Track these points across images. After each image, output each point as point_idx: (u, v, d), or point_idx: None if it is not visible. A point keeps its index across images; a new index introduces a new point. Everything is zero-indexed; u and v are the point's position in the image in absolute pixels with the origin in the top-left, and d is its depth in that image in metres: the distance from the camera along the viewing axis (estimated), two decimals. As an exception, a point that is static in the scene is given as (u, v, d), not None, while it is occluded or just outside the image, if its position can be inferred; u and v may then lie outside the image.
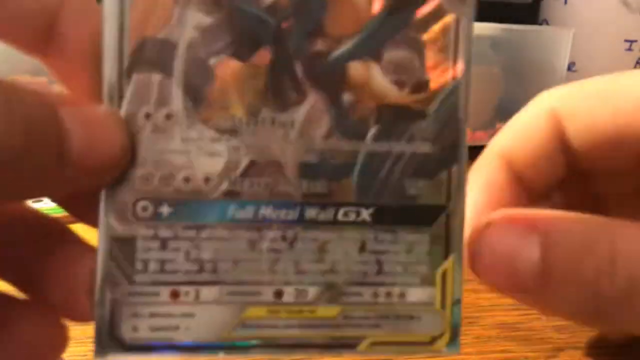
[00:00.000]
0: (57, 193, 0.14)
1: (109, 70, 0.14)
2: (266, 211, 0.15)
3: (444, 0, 0.15)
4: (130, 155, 0.14)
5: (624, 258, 0.13)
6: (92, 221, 0.15)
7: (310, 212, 0.15)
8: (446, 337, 0.15)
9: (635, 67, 0.46)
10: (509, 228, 0.15)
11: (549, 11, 0.50)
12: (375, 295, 0.15)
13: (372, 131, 0.15)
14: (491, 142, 0.19)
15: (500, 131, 0.18)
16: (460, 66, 0.15)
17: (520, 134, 0.18)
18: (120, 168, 0.14)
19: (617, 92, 0.16)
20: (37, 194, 0.14)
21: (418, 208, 0.15)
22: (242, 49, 0.14)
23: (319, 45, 0.15)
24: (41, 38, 0.14)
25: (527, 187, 0.18)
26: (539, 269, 0.14)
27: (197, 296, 0.15)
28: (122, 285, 0.14)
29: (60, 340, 0.15)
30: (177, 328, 0.14)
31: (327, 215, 0.15)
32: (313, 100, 0.15)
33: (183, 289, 0.14)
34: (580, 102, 0.17)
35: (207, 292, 0.15)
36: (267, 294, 0.15)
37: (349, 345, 0.15)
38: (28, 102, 0.12)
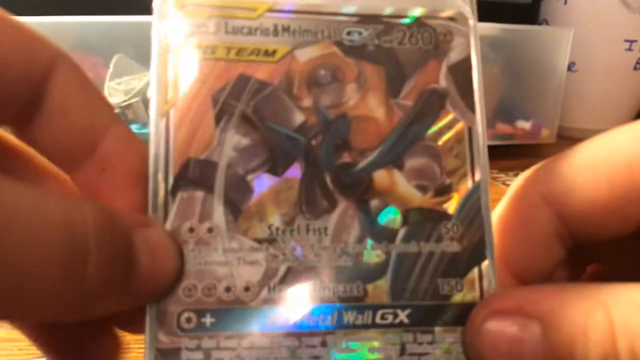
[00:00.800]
0: (108, 313, 0.15)
1: (156, 188, 0.15)
2: (305, 317, 0.15)
3: (456, 112, 0.16)
4: (180, 275, 0.15)
5: (622, 330, 0.13)
6: (134, 331, 0.16)
7: (348, 316, 0.15)
8: None
9: (635, 67, 0.46)
10: (505, 324, 0.14)
11: (549, 11, 0.50)
12: None
13: (401, 233, 0.16)
14: None
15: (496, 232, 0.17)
16: (477, 169, 0.16)
17: (514, 233, 0.17)
18: (170, 289, 0.15)
19: (607, 159, 0.15)
20: (102, 313, 0.14)
21: (453, 307, 0.15)
22: (276, 165, 0.16)
23: (346, 157, 0.16)
24: (81, 156, 0.15)
25: (524, 280, 0.17)
26: (545, 355, 0.13)
27: None
28: None
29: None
30: None
31: (365, 318, 0.15)
32: (343, 208, 0.16)
33: None
34: (571, 181, 0.16)
35: None
36: (310, 402, 0.15)
37: None
38: (116, 235, 0.13)
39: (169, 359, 0.14)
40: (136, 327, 0.15)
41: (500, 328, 0.14)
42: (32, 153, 0.16)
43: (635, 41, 0.47)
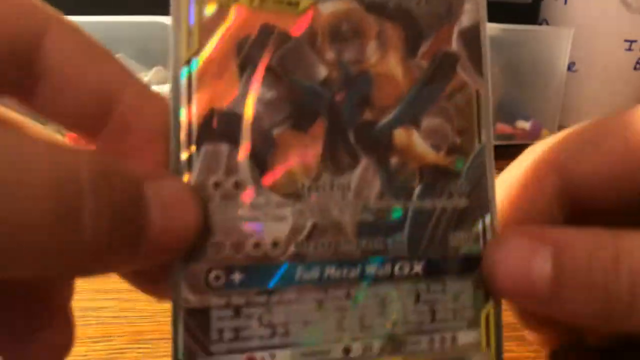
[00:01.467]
0: (127, 269, 0.14)
1: (179, 141, 0.14)
2: (330, 271, 0.15)
3: (466, 76, 0.17)
4: (201, 230, 0.14)
5: (626, 255, 0.15)
6: (157, 292, 0.15)
7: (371, 268, 0.16)
8: None
9: (635, 67, 0.48)
10: (521, 242, 0.16)
11: (549, 11, 0.51)
12: (432, 342, 0.16)
13: (417, 190, 0.16)
14: None
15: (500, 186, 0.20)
16: (484, 131, 0.17)
17: (518, 197, 0.18)
18: (192, 243, 0.14)
19: (614, 133, 0.17)
20: (108, 271, 0.14)
21: (461, 258, 0.17)
22: (300, 120, 0.15)
23: (367, 114, 0.16)
24: (98, 120, 0.14)
25: None
26: (552, 277, 0.15)
27: None
28: (200, 358, 0.14)
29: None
30: None
31: (385, 270, 0.16)
32: (365, 164, 0.16)
33: (258, 354, 0.15)
34: (579, 151, 0.17)
35: (282, 356, 0.15)
36: (337, 351, 0.15)
37: None
38: (117, 184, 0.12)
39: (199, 319, 0.14)
40: (162, 290, 0.15)
41: (516, 243, 0.16)
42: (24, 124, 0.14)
43: (635, 41, 0.47)
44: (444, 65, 0.17)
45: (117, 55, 0.15)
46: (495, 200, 0.17)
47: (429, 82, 0.17)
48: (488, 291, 0.17)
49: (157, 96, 0.15)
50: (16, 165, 0.10)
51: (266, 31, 0.15)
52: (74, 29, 0.13)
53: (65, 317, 0.16)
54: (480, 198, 0.17)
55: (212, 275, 0.14)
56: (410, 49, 0.17)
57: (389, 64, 0.16)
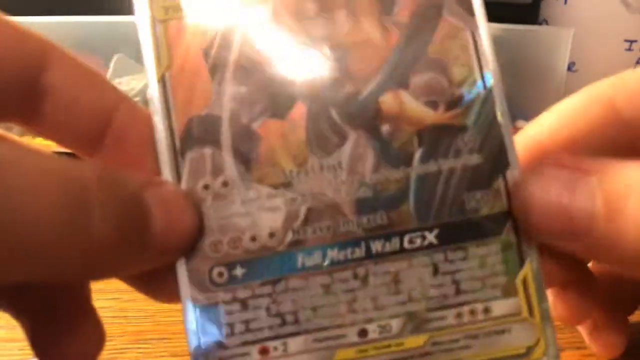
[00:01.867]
0: (130, 272, 0.15)
1: (164, 153, 0.15)
2: (333, 253, 0.15)
3: (455, 19, 0.15)
4: (199, 230, 0.15)
5: None
6: (158, 294, 0.16)
7: (376, 246, 0.15)
8: (542, 345, 0.15)
9: (635, 67, 0.45)
10: (560, 173, 0.14)
11: (549, 11, 0.49)
12: (459, 315, 0.15)
13: (418, 154, 0.15)
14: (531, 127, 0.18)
15: (544, 117, 0.18)
16: (488, 74, 0.15)
17: (569, 120, 0.17)
18: (191, 245, 0.15)
19: None
20: (117, 273, 0.15)
21: (482, 220, 0.15)
22: (278, 108, 0.15)
23: (349, 87, 0.15)
24: (96, 137, 0.16)
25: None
26: (602, 211, 0.13)
27: (285, 349, 0.15)
28: (215, 352, 0.15)
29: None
30: None
31: (393, 245, 0.15)
32: (355, 139, 0.15)
33: (271, 344, 0.15)
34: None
35: (294, 343, 0.15)
36: (352, 334, 0.15)
37: None
38: (121, 190, 0.13)
39: (208, 314, 0.15)
40: (166, 293, 0.16)
41: (555, 173, 0.14)
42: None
43: (635, 41, 0.45)
44: (427, 14, 0.16)
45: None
46: (515, 148, 0.15)
47: (412, 37, 0.15)
48: (522, 230, 0.15)
49: (146, 112, 0.16)
50: (30, 176, 0.12)
51: (229, 30, 0.16)
52: (71, 56, 0.15)
53: (94, 318, 0.17)
54: (495, 150, 0.15)
55: (215, 272, 0.15)
56: (386, 7, 0.16)
57: (364, 30, 0.16)
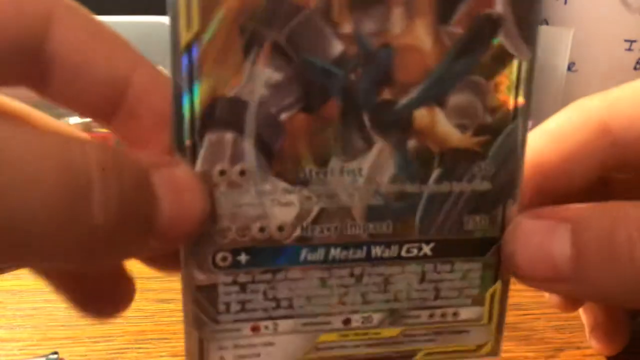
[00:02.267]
0: (139, 255, 0.15)
1: (181, 131, 0.14)
2: (335, 252, 0.16)
3: (509, 44, 0.15)
4: (208, 215, 0.14)
5: None
6: (167, 268, 0.16)
7: (376, 251, 0.16)
8: (489, 345, 0.17)
9: (635, 67, 0.46)
10: (537, 224, 0.16)
11: (549, 11, 0.48)
12: (432, 316, 0.17)
13: (435, 174, 0.15)
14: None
15: (532, 137, 0.18)
16: (521, 107, 0.15)
17: (563, 149, 0.18)
18: (198, 231, 0.14)
19: None
20: (122, 257, 0.14)
21: (474, 241, 0.16)
22: (311, 102, 0.14)
23: (386, 94, 0.15)
24: (111, 106, 0.14)
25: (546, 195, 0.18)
26: (573, 255, 0.15)
27: (275, 328, 0.16)
28: (208, 326, 0.15)
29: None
30: (258, 355, 0.16)
31: (391, 252, 0.16)
32: (380, 148, 0.15)
33: (263, 323, 0.16)
34: (635, 111, 0.17)
35: (284, 325, 0.16)
36: (337, 322, 0.16)
37: (407, 356, 0.17)
38: (125, 173, 0.12)
39: (207, 295, 0.15)
40: (168, 266, 0.16)
41: (534, 225, 0.16)
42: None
43: (635, 41, 0.42)
44: (482, 31, 0.15)
45: None
46: (522, 183, 0.16)
47: (462, 53, 0.15)
48: (516, 278, 0.17)
49: (166, 80, 0.14)
50: (26, 157, 0.11)
51: (273, 4, 0.13)
52: (81, 13, 0.13)
53: (125, 275, 0.17)
54: (504, 181, 0.16)
55: (219, 256, 0.15)
56: (444, 13, 0.14)
57: (416, 34, 0.14)
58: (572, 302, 0.22)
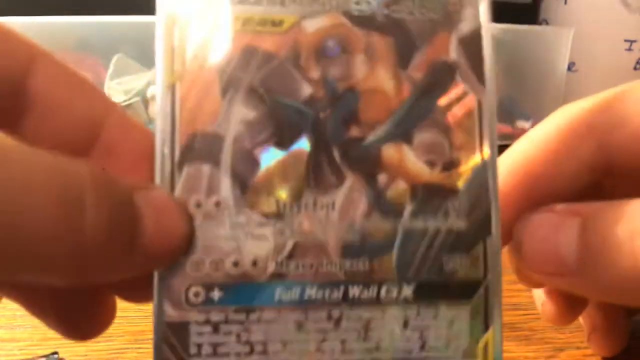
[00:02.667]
0: (116, 278, 0.15)
1: (162, 162, 0.15)
2: (311, 292, 0.15)
3: (467, 86, 0.16)
4: (189, 242, 0.15)
5: None
6: (131, 299, 0.16)
7: (354, 291, 0.15)
8: None
9: (635, 67, 0.46)
10: (548, 217, 0.16)
11: (549, 11, 0.50)
12: None
13: (408, 209, 0.16)
14: (510, 154, 0.19)
15: (526, 142, 0.18)
16: (486, 145, 0.16)
17: (551, 156, 0.18)
18: (180, 254, 0.15)
19: None
20: (107, 277, 0.14)
21: (457, 283, 0.16)
22: (283, 138, 0.15)
23: (354, 131, 0.16)
24: (84, 147, 0.15)
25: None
26: (580, 247, 0.15)
27: None
28: None
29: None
30: None
31: (370, 293, 0.15)
32: (351, 182, 0.16)
33: None
34: (621, 114, 0.17)
35: None
36: (316, 373, 0.15)
37: None
38: (114, 191, 0.13)
39: (178, 333, 0.15)
40: (141, 297, 0.16)
41: (543, 218, 0.16)
42: None
43: (635, 41, 0.46)
44: (440, 75, 0.16)
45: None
46: (499, 221, 0.16)
47: (423, 94, 0.16)
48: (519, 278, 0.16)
49: (137, 124, 0.16)
50: (24, 171, 0.11)
51: (249, 52, 0.15)
52: (59, 63, 0.15)
53: (107, 298, 0.17)
54: (481, 219, 0.16)
55: (192, 291, 0.15)
56: (402, 60, 0.16)
57: (378, 78, 0.16)
58: (566, 314, 0.21)
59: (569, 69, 0.46)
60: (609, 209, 0.15)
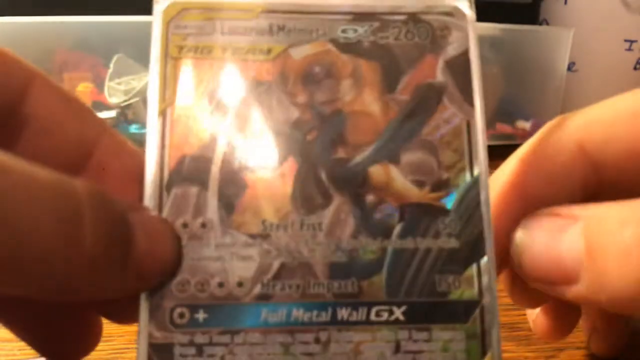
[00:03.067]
0: (107, 296, 0.15)
1: (151, 184, 0.15)
2: (298, 313, 0.15)
3: (454, 107, 0.16)
4: (178, 263, 0.15)
5: None
6: (115, 319, 0.16)
7: (342, 313, 0.15)
8: None
9: (635, 67, 0.45)
10: (549, 222, 0.15)
11: (549, 11, 0.50)
12: None
13: (397, 229, 0.15)
14: (506, 168, 0.18)
15: (517, 161, 0.18)
16: (477, 164, 0.16)
17: (543, 174, 0.17)
18: (169, 273, 0.15)
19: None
20: (100, 293, 0.14)
21: (451, 304, 0.15)
22: (270, 161, 0.16)
23: (341, 152, 0.16)
24: (76, 166, 0.16)
25: None
26: (584, 253, 0.14)
27: None
28: None
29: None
30: None
31: (359, 315, 0.15)
32: (338, 203, 0.15)
33: None
34: (611, 130, 0.16)
35: None
36: (303, 400, 0.14)
37: None
38: (110, 207, 0.13)
39: (162, 354, 0.14)
40: (126, 317, 0.15)
41: (544, 222, 0.15)
42: None
43: (635, 41, 0.46)
44: (427, 97, 0.16)
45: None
46: (492, 241, 0.15)
47: (410, 116, 0.16)
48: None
49: (129, 145, 0.16)
50: (25, 186, 0.12)
51: (238, 79, 0.16)
52: (54, 85, 0.16)
53: (92, 320, 0.17)
54: (473, 238, 0.15)
55: (177, 312, 0.15)
56: (388, 84, 0.16)
57: (365, 102, 0.16)
58: (560, 329, 0.20)
59: (569, 69, 0.46)
60: (613, 210, 0.14)
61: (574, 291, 0.14)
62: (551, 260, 0.14)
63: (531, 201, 0.16)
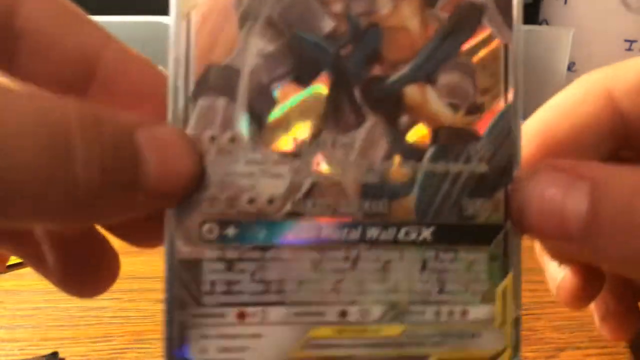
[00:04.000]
0: (123, 218, 0.15)
1: (176, 95, 0.14)
2: (328, 231, 0.15)
3: (493, 28, 0.16)
4: (198, 179, 0.14)
5: None
6: (148, 243, 0.16)
7: (372, 232, 0.15)
8: (507, 355, 0.15)
9: None
10: (556, 176, 0.15)
11: (549, 11, 0.50)
12: (438, 314, 0.15)
13: (430, 152, 0.15)
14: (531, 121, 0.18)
15: (546, 110, 0.18)
16: (511, 90, 0.16)
17: (572, 120, 0.17)
18: (189, 192, 0.14)
19: None
20: (107, 218, 0.14)
21: (477, 227, 0.15)
22: (302, 75, 0.15)
23: (377, 70, 0.15)
24: (81, 82, 0.15)
25: None
26: (588, 218, 0.14)
27: (263, 317, 0.15)
28: (191, 308, 0.14)
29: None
30: (245, 349, 0.14)
31: (388, 234, 0.15)
32: (372, 123, 0.15)
33: (250, 309, 0.14)
34: (633, 76, 0.16)
35: (274, 313, 0.15)
36: (332, 314, 0.15)
37: None
38: (107, 130, 0.12)
39: (191, 271, 0.14)
40: (150, 240, 0.15)
41: (547, 180, 0.14)
42: None
43: (635, 41, 0.46)
44: (467, 16, 0.15)
45: None
46: (521, 165, 0.15)
47: (448, 35, 0.15)
48: (517, 228, 0.15)
49: (137, 56, 0.15)
50: (12, 116, 0.11)
51: (269, -18, 0.15)
52: None
53: (110, 251, 0.17)
54: (503, 164, 0.15)
55: (206, 227, 0.14)
56: None
57: (403, 16, 0.15)
58: (582, 298, 0.20)
59: (569, 69, 0.46)
60: (624, 174, 0.14)
61: (571, 248, 0.14)
62: (555, 218, 0.14)
63: (559, 149, 0.16)
